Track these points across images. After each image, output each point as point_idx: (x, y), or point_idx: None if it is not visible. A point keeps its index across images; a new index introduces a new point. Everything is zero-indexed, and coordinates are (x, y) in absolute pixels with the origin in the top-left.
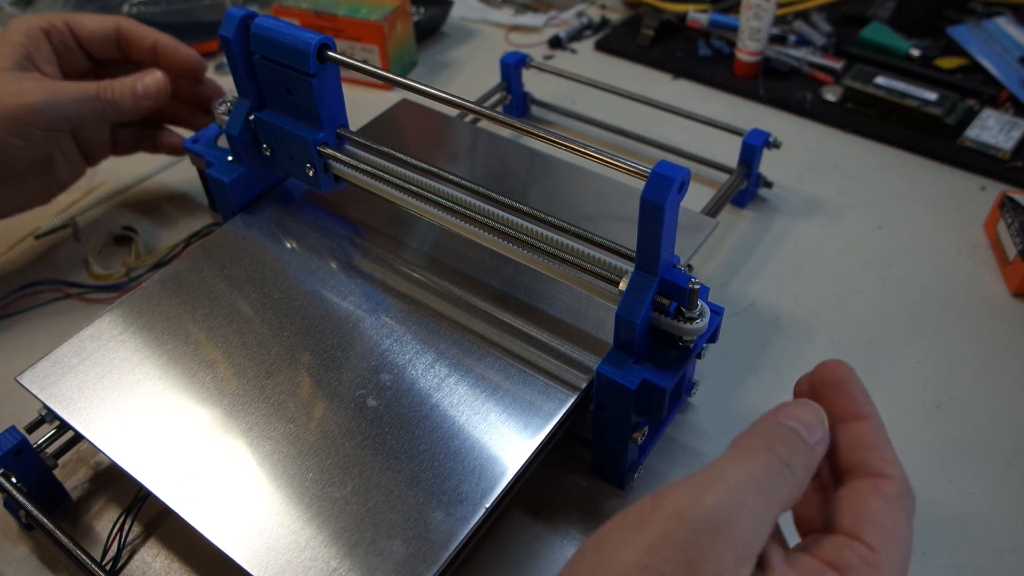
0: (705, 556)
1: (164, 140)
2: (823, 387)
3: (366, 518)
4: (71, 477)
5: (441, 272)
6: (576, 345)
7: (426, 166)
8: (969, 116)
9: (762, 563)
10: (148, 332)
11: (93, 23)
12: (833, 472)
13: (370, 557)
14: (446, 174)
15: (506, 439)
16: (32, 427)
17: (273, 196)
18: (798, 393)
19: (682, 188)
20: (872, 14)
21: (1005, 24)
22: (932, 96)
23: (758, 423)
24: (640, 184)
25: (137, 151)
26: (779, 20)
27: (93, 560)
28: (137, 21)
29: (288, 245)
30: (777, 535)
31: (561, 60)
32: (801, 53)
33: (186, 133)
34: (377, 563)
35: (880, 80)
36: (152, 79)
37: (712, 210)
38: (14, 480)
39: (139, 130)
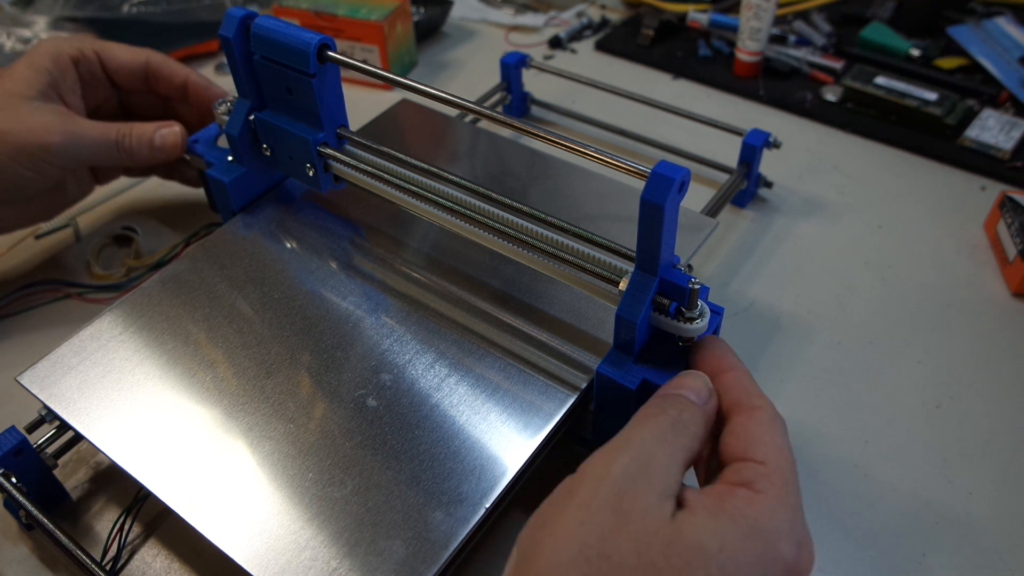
0: (631, 500)
1: (180, 171)
2: (698, 354)
3: (366, 518)
4: (71, 477)
5: (441, 272)
6: (576, 345)
7: (426, 166)
8: (969, 116)
9: (680, 502)
10: (148, 332)
11: (124, 55)
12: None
13: (370, 557)
14: (446, 174)
15: (506, 439)
16: (32, 427)
17: (273, 196)
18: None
19: (682, 188)
20: (872, 14)
21: (1005, 24)
22: (932, 96)
23: (651, 398)
24: (640, 184)
25: (150, 175)
26: (779, 20)
27: (93, 560)
28: (166, 56)
29: (288, 245)
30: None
31: (561, 60)
32: (801, 53)
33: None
34: (377, 563)
35: (880, 80)
36: (171, 132)
37: (712, 210)
38: (14, 480)
39: None
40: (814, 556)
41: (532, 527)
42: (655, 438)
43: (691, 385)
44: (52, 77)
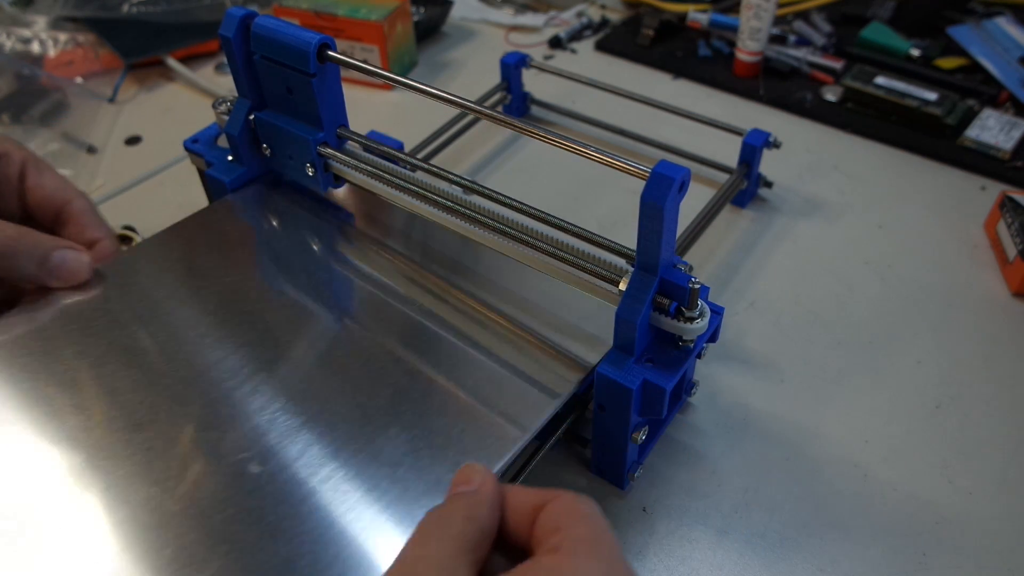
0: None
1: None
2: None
3: None
4: None
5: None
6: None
7: (427, 166)
8: (969, 116)
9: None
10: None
11: (51, 183)
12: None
13: None
14: (447, 174)
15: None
16: None
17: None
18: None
19: (682, 188)
20: (872, 14)
21: (1005, 24)
22: (932, 96)
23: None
24: (640, 184)
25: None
26: (779, 20)
27: None
28: (94, 205)
29: (186, 284)
30: None
31: (561, 60)
32: (801, 53)
33: None
34: None
35: (880, 80)
36: (75, 257)
37: (712, 210)
38: None
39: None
40: None
41: None
42: (415, 543)
43: (465, 476)
44: None
